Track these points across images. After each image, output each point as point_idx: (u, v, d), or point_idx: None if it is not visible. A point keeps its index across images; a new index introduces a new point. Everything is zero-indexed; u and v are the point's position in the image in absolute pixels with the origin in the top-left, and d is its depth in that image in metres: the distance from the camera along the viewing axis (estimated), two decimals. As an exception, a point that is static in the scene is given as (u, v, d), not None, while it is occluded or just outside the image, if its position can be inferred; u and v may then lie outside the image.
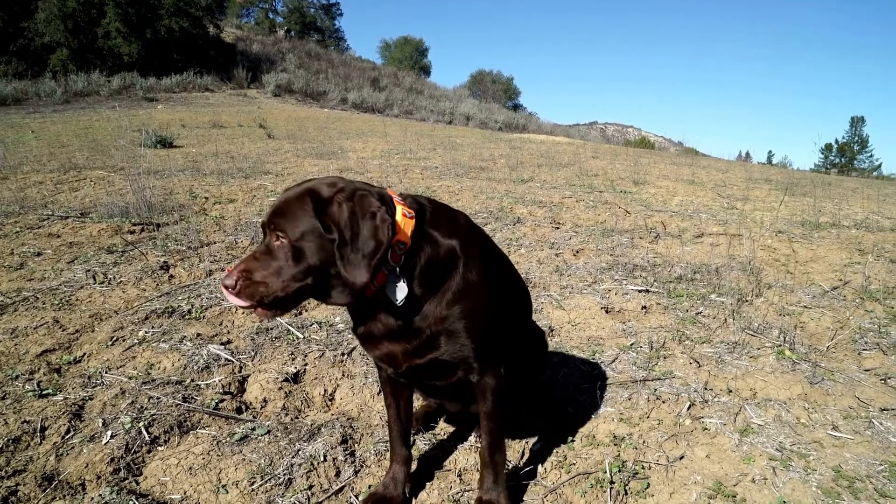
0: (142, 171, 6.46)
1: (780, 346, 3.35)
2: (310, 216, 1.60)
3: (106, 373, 2.78)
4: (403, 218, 1.68)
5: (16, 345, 2.99)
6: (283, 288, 1.60)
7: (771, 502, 2.09)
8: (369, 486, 2.11)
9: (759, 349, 3.33)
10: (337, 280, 1.63)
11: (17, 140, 10.91)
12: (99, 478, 2.08)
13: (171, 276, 4.14)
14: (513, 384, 2.08)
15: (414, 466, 2.19)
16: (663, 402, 2.77)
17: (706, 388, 2.89)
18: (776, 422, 2.60)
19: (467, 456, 2.34)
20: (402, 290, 1.68)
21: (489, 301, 1.85)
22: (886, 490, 2.16)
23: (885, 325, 3.74)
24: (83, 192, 6.62)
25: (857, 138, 56.44)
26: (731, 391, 2.89)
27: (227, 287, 1.59)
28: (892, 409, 2.71)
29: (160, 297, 3.73)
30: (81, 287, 3.81)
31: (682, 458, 2.35)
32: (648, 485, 2.20)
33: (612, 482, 2.19)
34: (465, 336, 1.78)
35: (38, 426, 2.32)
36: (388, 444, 2.13)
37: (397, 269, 1.67)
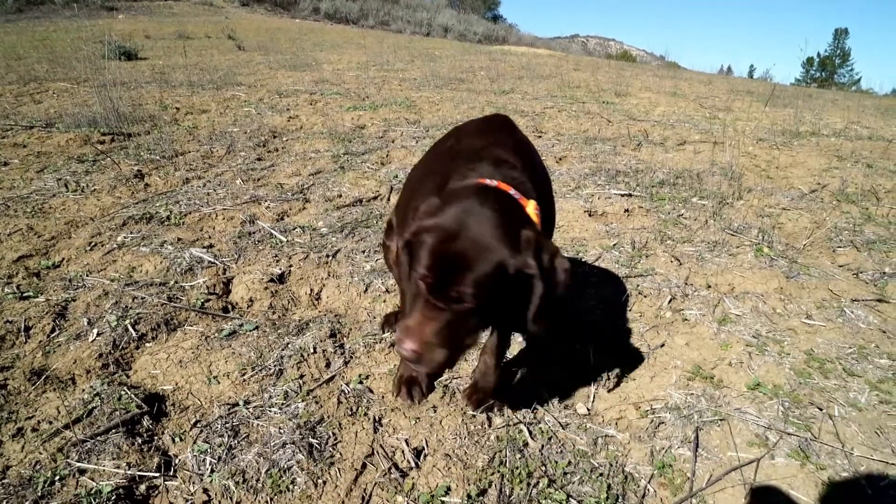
0: (107, 82, 6.12)
1: (758, 244, 3.41)
2: (500, 273, 1.35)
3: (87, 276, 2.74)
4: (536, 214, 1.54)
5: (-10, 251, 2.92)
6: (461, 349, 1.48)
7: (746, 383, 2.18)
8: (359, 375, 2.15)
9: (738, 247, 3.38)
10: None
11: (-31, 51, 10.26)
12: (88, 372, 2.08)
13: (147, 185, 4.02)
14: None
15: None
16: (645, 296, 2.83)
17: (686, 284, 2.95)
18: (753, 312, 2.68)
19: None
20: None
21: None
22: (854, 370, 2.27)
23: (859, 225, 3.81)
24: (47, 104, 6.30)
25: (839, 51, 55.66)
26: (710, 286, 2.95)
27: (407, 359, 1.44)
28: (863, 300, 2.80)
29: (136, 203, 3.64)
30: (53, 195, 3.69)
31: (662, 345, 2.43)
32: (631, 370, 2.28)
33: (595, 369, 2.26)
34: None
35: (22, 326, 2.30)
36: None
37: None
